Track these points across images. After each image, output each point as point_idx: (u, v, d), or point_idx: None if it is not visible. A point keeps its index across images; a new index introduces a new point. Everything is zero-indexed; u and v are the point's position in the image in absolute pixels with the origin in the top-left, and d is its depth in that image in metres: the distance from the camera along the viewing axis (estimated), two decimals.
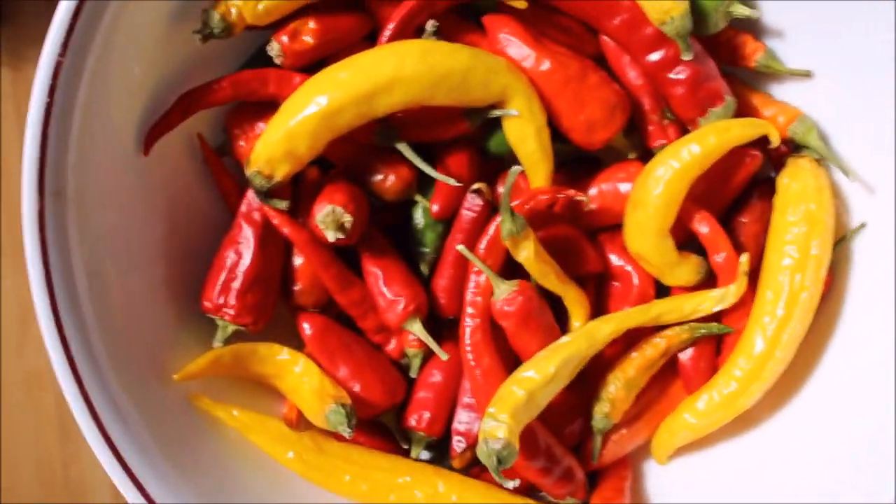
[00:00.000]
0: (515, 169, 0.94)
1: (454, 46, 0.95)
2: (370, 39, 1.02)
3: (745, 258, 0.98)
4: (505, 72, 0.95)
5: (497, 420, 0.91)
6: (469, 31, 1.01)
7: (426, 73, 0.93)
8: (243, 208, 1.01)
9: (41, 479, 1.25)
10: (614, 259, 1.04)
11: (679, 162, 0.95)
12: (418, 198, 1.02)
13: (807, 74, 1.01)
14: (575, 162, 1.06)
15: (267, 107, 1.01)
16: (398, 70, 0.93)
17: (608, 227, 1.05)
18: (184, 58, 0.99)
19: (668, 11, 0.93)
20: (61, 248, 0.91)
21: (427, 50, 0.94)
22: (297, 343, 1.04)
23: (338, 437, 1.03)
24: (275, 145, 0.94)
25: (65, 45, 0.88)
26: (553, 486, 1.00)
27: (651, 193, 0.96)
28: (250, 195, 1.01)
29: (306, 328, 1.03)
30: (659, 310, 0.99)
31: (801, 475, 0.98)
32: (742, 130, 0.96)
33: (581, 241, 1.02)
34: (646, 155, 1.03)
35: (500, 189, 1.03)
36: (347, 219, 0.97)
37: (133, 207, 0.98)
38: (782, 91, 1.03)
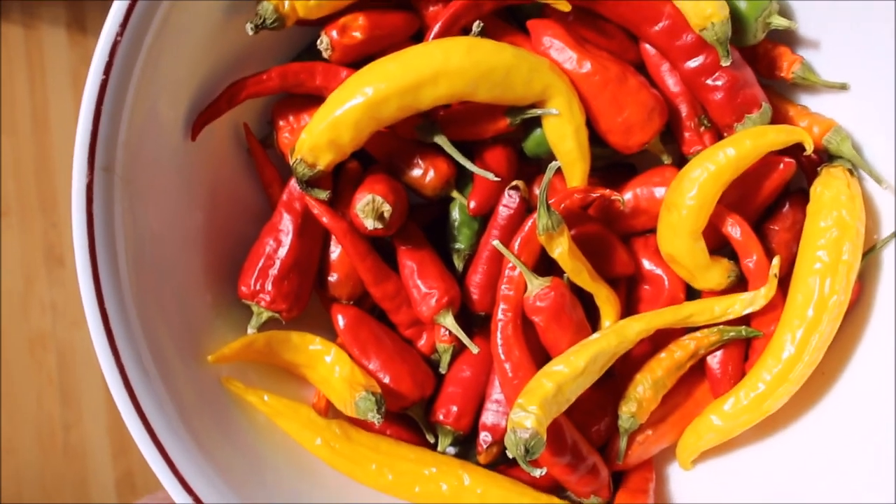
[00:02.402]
0: (554, 164, 0.96)
1: (499, 45, 0.98)
2: (417, 39, 1.05)
3: (776, 261, 0.99)
4: (547, 71, 0.98)
5: (526, 411, 0.92)
6: (513, 34, 1.04)
7: (471, 68, 0.96)
8: (284, 197, 1.03)
9: (41, 442, 1.25)
10: (646, 263, 1.05)
11: (714, 164, 0.97)
12: (455, 194, 1.04)
13: (843, 87, 1.03)
14: (611, 167, 1.08)
15: (313, 100, 1.03)
16: (444, 64, 0.95)
17: (641, 231, 1.06)
18: (234, 48, 1.02)
19: (708, 17, 0.96)
20: (107, 223, 0.93)
21: (473, 46, 0.96)
22: (329, 334, 1.05)
23: (366, 426, 1.04)
24: (319, 134, 0.96)
25: (123, 24, 0.91)
26: (577, 484, 1.01)
27: (685, 195, 0.98)
28: (292, 184, 1.03)
29: (340, 319, 1.04)
30: (689, 310, 1.01)
31: (824, 479, 0.99)
32: (777, 136, 0.98)
33: (614, 243, 1.04)
34: (681, 161, 1.05)
35: (537, 189, 1.05)
36: (387, 208, 0.99)
37: (177, 191, 1.01)
38: (818, 102, 1.06)
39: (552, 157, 1.02)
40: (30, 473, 1.25)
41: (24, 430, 1.24)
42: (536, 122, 1.02)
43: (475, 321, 1.06)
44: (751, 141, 0.97)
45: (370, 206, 0.99)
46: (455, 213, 1.05)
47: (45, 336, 1.24)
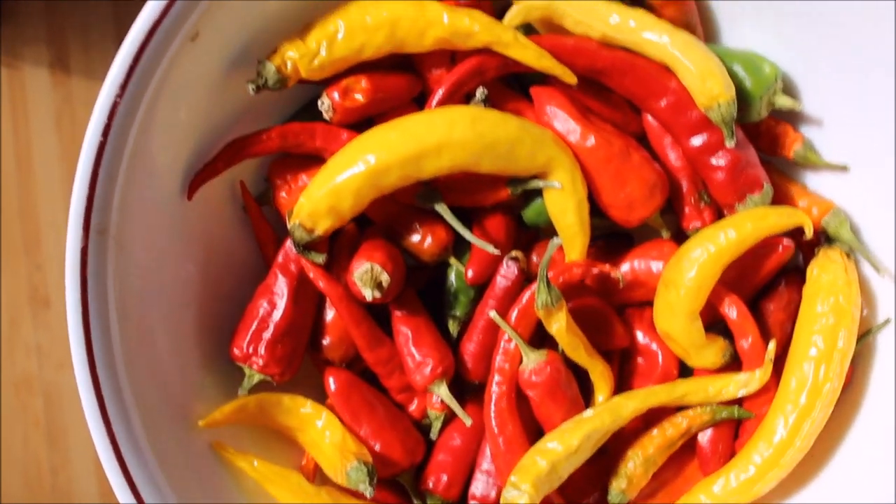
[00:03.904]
0: (555, 241, 0.96)
1: (503, 116, 0.97)
2: (418, 101, 1.04)
3: (772, 345, 0.99)
4: (551, 144, 0.97)
5: (519, 489, 0.93)
6: (516, 100, 1.03)
7: (475, 140, 0.95)
8: (280, 259, 1.02)
9: (29, 485, 1.24)
10: (640, 336, 1.05)
11: (715, 245, 0.97)
12: (453, 261, 1.03)
13: (843, 168, 1.03)
14: (608, 236, 1.08)
15: (310, 159, 1.02)
16: (447, 135, 0.94)
17: (637, 303, 1.06)
18: (233, 105, 1.01)
19: (715, 97, 0.95)
20: (99, 285, 0.92)
21: (477, 117, 0.96)
22: (317, 392, 1.04)
23: (355, 494, 1.03)
24: (319, 200, 0.95)
25: (123, 86, 0.89)
26: None
27: (685, 275, 0.97)
28: (288, 246, 1.01)
29: (331, 383, 1.03)
30: (684, 390, 1.01)
31: None
32: (778, 220, 0.98)
33: (610, 316, 1.04)
34: (678, 234, 1.05)
35: (534, 258, 1.05)
36: (385, 278, 0.98)
37: (171, 249, 1.00)
38: (818, 179, 1.06)
39: (551, 226, 1.02)
40: None
41: (11, 473, 1.24)
42: (537, 191, 1.01)
43: (467, 388, 1.06)
44: (752, 224, 0.97)
45: (368, 274, 0.98)
46: (452, 279, 1.05)
47: (31, 378, 1.23)
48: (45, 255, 1.24)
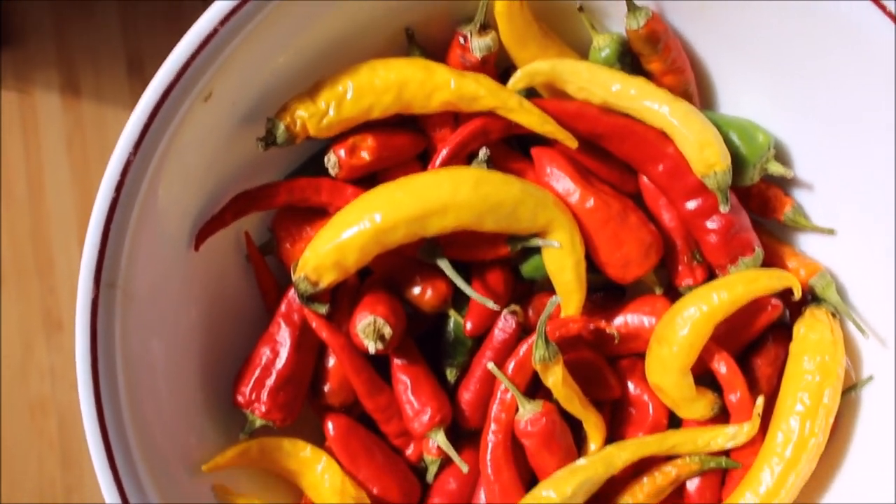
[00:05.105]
0: (554, 299, 0.99)
1: (506, 178, 1.00)
2: (422, 158, 1.06)
3: (760, 401, 1.03)
4: (552, 206, 1.00)
5: None
6: (517, 160, 1.06)
7: (479, 202, 0.98)
8: (283, 308, 1.04)
9: None
10: (632, 387, 1.08)
11: (708, 305, 1.00)
12: (452, 313, 1.06)
13: (830, 232, 1.07)
14: (602, 290, 1.11)
15: (315, 212, 1.04)
16: (452, 196, 0.97)
17: (629, 354, 1.09)
18: (240, 159, 1.03)
19: (712, 166, 0.99)
20: (107, 336, 0.94)
21: (481, 179, 0.98)
22: (315, 434, 1.07)
23: None
24: (325, 255, 0.98)
25: (137, 144, 0.91)
26: None
27: (678, 332, 1.01)
28: (291, 296, 1.04)
29: (331, 428, 1.06)
30: (674, 441, 1.04)
31: None
32: (769, 282, 1.02)
33: (603, 368, 1.07)
34: (671, 291, 1.09)
35: (530, 311, 1.07)
36: (388, 331, 1.01)
37: (176, 298, 1.02)
38: (806, 241, 1.10)
39: (547, 280, 1.05)
40: None
41: (25, 494, 1.26)
42: (536, 248, 1.04)
43: (463, 433, 1.09)
44: (743, 286, 1.01)
45: (371, 327, 1.00)
46: (450, 329, 1.07)
47: (45, 401, 1.25)
48: (57, 278, 1.26)
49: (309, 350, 1.05)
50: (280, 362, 1.04)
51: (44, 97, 1.26)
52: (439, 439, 1.04)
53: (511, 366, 1.03)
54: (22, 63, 1.27)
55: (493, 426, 1.04)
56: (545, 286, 1.07)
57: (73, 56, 1.28)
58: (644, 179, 1.06)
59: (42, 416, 1.26)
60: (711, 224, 1.03)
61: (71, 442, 1.26)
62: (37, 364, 1.27)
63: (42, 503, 1.26)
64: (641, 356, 1.07)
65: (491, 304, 1.01)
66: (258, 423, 1.04)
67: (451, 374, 1.08)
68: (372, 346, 1.00)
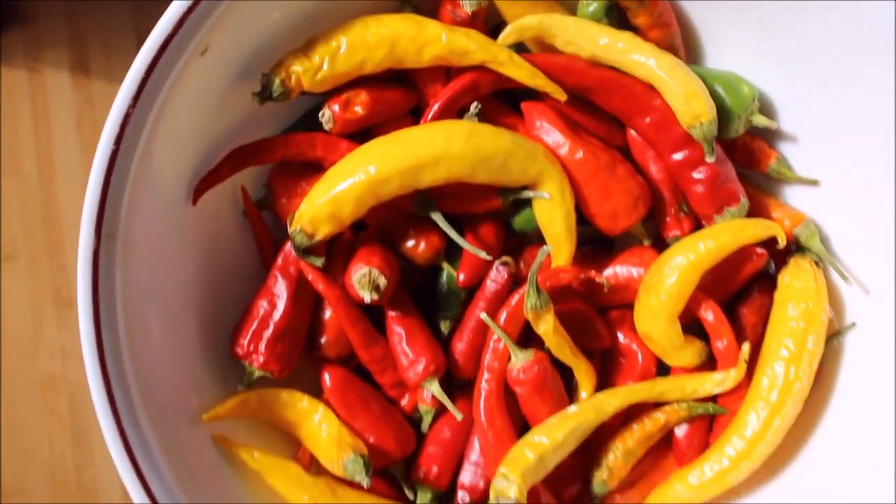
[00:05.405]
0: (545, 249, 1.01)
1: (497, 130, 1.02)
2: (414, 113, 1.08)
3: (746, 347, 1.06)
4: (542, 158, 1.03)
5: (508, 480, 0.99)
6: (507, 115, 1.09)
7: (471, 154, 1.00)
8: (279, 262, 1.07)
9: (54, 482, 1.28)
10: (621, 337, 1.11)
11: (694, 254, 1.03)
12: (445, 265, 1.08)
13: (814, 183, 1.09)
14: (591, 242, 1.13)
15: (309, 167, 1.07)
16: (445, 148, 0.99)
17: (618, 305, 1.12)
18: (236, 115, 1.05)
19: (697, 116, 1.01)
20: (108, 287, 0.96)
21: (473, 132, 1.00)
22: (313, 386, 1.10)
23: (351, 484, 1.08)
24: (321, 207, 1.00)
25: (136, 97, 0.93)
26: None
27: (665, 281, 1.03)
28: (287, 249, 1.06)
29: (327, 379, 1.08)
30: (663, 388, 1.07)
31: None
32: (754, 231, 1.04)
33: (593, 318, 1.10)
34: (658, 242, 1.11)
35: (521, 263, 1.10)
36: (383, 281, 1.03)
37: (174, 251, 1.04)
38: (791, 192, 1.12)
39: (538, 232, 1.07)
40: None
41: (36, 472, 1.27)
42: (526, 200, 1.06)
43: (455, 384, 1.11)
44: (729, 235, 1.03)
45: (366, 278, 1.03)
46: (443, 281, 1.10)
47: (55, 379, 1.26)
48: (67, 257, 1.27)
49: (305, 302, 1.08)
50: (277, 314, 1.06)
51: (54, 76, 1.28)
52: (434, 388, 1.06)
53: (503, 316, 1.05)
54: (32, 42, 1.29)
55: (486, 375, 1.06)
56: (536, 239, 1.10)
57: (83, 35, 1.30)
58: (631, 132, 1.08)
59: (52, 394, 1.28)
60: (698, 175, 1.05)
61: (81, 420, 1.27)
62: (47, 342, 1.28)
63: (53, 481, 1.27)
64: (631, 307, 1.09)
65: (483, 255, 1.04)
66: (256, 373, 1.06)
67: (444, 326, 1.10)
68: (367, 297, 1.03)
